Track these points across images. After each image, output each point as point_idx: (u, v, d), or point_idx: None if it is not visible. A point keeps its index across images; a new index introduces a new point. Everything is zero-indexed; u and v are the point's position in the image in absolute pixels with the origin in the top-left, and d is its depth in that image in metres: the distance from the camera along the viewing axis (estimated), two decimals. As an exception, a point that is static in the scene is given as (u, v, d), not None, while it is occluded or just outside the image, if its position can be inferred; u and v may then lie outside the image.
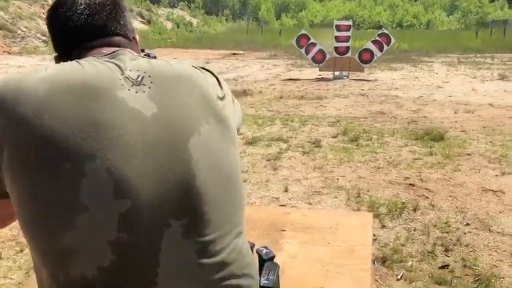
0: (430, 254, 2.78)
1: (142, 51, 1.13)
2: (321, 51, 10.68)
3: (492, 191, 3.75)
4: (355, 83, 10.04)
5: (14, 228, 2.86)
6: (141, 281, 0.78)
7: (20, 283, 2.48)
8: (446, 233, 3.05)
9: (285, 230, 1.92)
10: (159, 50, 17.29)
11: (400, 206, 3.44)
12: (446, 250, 2.82)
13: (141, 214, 0.77)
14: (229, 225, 0.86)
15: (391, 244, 2.90)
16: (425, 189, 3.80)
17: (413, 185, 3.89)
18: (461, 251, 2.82)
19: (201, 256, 0.81)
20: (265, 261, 0.97)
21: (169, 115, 0.83)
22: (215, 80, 0.95)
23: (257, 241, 1.76)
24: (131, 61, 0.88)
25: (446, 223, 3.17)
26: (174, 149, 0.81)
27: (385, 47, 10.51)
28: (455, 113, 6.86)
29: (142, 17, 27.73)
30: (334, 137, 5.48)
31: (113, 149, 0.77)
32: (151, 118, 0.81)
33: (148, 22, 27.52)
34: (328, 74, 10.74)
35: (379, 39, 10.51)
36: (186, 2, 36.39)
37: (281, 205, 3.54)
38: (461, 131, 5.71)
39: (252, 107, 7.35)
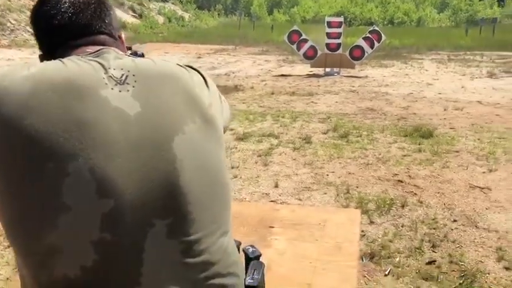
0: (417, 250, 2.81)
1: (130, 49, 1.13)
2: (312, 47, 10.69)
3: (479, 187, 3.80)
4: (346, 79, 10.07)
5: (2, 224, 2.84)
6: (124, 281, 0.78)
7: (7, 279, 2.47)
8: (434, 229, 3.08)
9: (273, 227, 1.93)
10: (151, 44, 17.19)
11: (388, 202, 3.47)
12: (434, 246, 2.85)
13: (124, 214, 0.77)
14: (214, 224, 0.86)
15: (379, 240, 2.93)
16: (414, 185, 3.84)
17: (401, 182, 3.92)
18: (448, 247, 2.86)
19: (186, 256, 0.82)
20: (252, 259, 0.97)
21: (154, 114, 0.83)
22: (201, 78, 0.95)
23: (246, 237, 1.77)
24: (115, 60, 0.87)
25: (433, 219, 3.21)
26: (158, 148, 0.81)
27: (376, 44, 10.54)
28: (445, 110, 6.91)
29: (133, 11, 27.54)
30: (325, 133, 5.50)
31: (96, 149, 0.77)
32: (135, 117, 0.81)
33: (140, 16, 27.33)
34: (320, 71, 10.76)
35: (370, 36, 10.54)
36: (177, -4, 36.17)
37: (271, 201, 3.55)
38: (450, 128, 5.76)
39: (243, 103, 7.35)
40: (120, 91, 0.83)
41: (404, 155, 4.64)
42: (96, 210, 0.76)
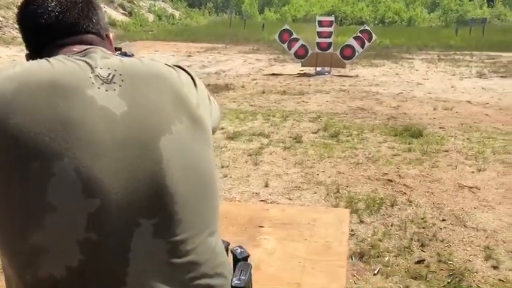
0: (406, 249, 2.82)
1: (120, 49, 1.12)
2: (303, 46, 10.69)
3: (468, 187, 3.83)
4: (337, 78, 10.10)
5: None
6: (110, 281, 0.78)
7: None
8: (423, 228, 3.10)
9: (263, 226, 1.93)
10: (141, 42, 17.11)
11: (378, 201, 3.48)
12: (423, 245, 2.87)
13: (110, 213, 0.77)
14: (201, 224, 0.86)
15: (369, 239, 2.94)
16: (403, 185, 3.86)
17: (391, 181, 3.94)
18: (437, 246, 2.88)
19: (172, 256, 0.81)
20: (239, 260, 0.97)
21: (140, 114, 0.82)
22: (189, 78, 0.94)
23: (235, 237, 1.77)
24: (102, 59, 0.87)
25: (422, 219, 3.23)
26: (145, 148, 0.80)
27: (367, 44, 10.57)
28: (434, 109, 6.95)
29: (123, 8, 27.37)
30: (315, 132, 5.51)
31: (82, 148, 0.76)
32: (121, 116, 0.81)
33: (130, 14, 27.17)
34: (310, 70, 10.77)
35: (360, 35, 10.56)
36: (168, -6, 36.01)
37: (261, 200, 3.55)
38: (440, 128, 5.80)
39: (234, 102, 7.34)
40: (106, 90, 0.82)
41: (394, 155, 4.66)
42: (82, 210, 0.75)
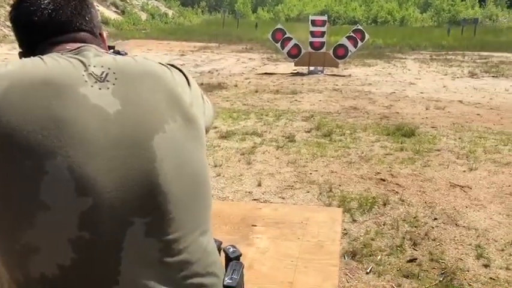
0: (398, 248, 2.84)
1: (113, 48, 1.12)
2: (296, 45, 10.71)
3: (460, 186, 3.85)
4: (330, 78, 10.12)
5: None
6: (103, 280, 0.78)
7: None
8: (415, 227, 3.12)
9: (255, 225, 1.92)
10: (134, 41, 17.04)
11: (370, 200, 3.49)
12: (415, 244, 2.89)
13: (103, 212, 0.76)
14: (194, 223, 0.86)
15: (361, 238, 2.95)
16: (396, 184, 3.88)
17: (384, 180, 3.96)
18: (429, 245, 2.89)
19: (164, 254, 0.81)
20: (232, 259, 0.97)
21: (133, 112, 0.82)
22: (183, 77, 0.94)
23: (228, 236, 1.77)
24: (95, 57, 0.86)
25: (415, 218, 3.24)
26: (138, 147, 0.80)
27: (360, 43, 10.61)
28: (427, 109, 6.99)
29: (116, 7, 27.27)
30: (308, 131, 5.52)
31: (75, 147, 0.76)
32: (114, 115, 0.80)
33: (123, 12, 27.07)
34: (303, 69, 10.79)
35: (353, 35, 10.60)
36: (161, -7, 35.88)
37: (254, 199, 3.55)
38: (432, 127, 5.83)
39: (227, 101, 7.33)
40: (100, 89, 0.82)
41: (387, 154, 4.68)
42: (74, 208, 0.75)
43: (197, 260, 0.85)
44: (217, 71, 10.93)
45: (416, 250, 2.83)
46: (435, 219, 3.24)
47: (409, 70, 11.68)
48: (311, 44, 10.61)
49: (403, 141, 5.12)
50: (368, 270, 2.60)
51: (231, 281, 0.90)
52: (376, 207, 3.41)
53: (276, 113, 6.49)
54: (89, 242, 0.76)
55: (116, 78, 0.84)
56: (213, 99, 6.83)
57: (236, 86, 8.85)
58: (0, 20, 17.19)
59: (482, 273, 2.60)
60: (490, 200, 3.57)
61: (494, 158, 4.59)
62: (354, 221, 3.19)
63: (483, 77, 10.71)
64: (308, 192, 3.70)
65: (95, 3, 1.03)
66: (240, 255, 0.98)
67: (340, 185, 3.83)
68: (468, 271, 2.61)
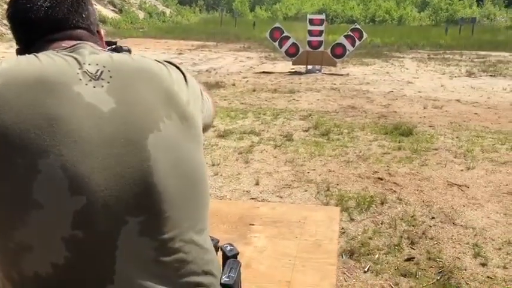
0: (396, 247, 2.84)
1: (115, 43, 1.11)
2: (294, 44, 10.71)
3: (457, 185, 3.86)
4: (328, 77, 10.12)
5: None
6: (97, 279, 0.77)
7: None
8: (413, 226, 3.12)
9: (253, 224, 1.93)
10: (131, 39, 17.03)
11: (368, 199, 3.50)
12: (412, 243, 2.89)
13: (96, 211, 0.76)
14: (190, 222, 0.85)
15: (359, 237, 2.95)
16: (393, 183, 3.88)
17: (381, 179, 3.96)
18: (426, 243, 2.89)
19: (160, 253, 0.81)
20: (229, 258, 0.97)
21: (128, 110, 0.81)
22: (180, 75, 0.94)
23: (226, 235, 1.77)
24: (91, 55, 0.86)
25: (412, 216, 3.25)
26: (132, 146, 0.80)
27: (357, 42, 10.61)
28: (424, 108, 7.00)
29: (114, 5, 27.22)
30: (306, 130, 5.52)
31: (68, 145, 0.76)
32: (108, 113, 0.80)
33: (120, 11, 27.02)
34: (301, 68, 10.79)
35: (351, 34, 10.60)
36: (159, -8, 35.81)
37: (252, 198, 3.55)
38: (429, 126, 5.83)
39: (224, 100, 7.33)
40: (94, 87, 0.81)
41: (385, 153, 4.68)
42: (67, 207, 0.75)
43: (193, 258, 0.85)
44: (215, 69, 10.92)
45: (413, 249, 2.83)
46: (433, 218, 3.25)
47: (407, 69, 11.69)
48: (309, 43, 10.61)
49: (401, 140, 5.12)
50: (366, 269, 2.60)
51: (228, 280, 0.90)
52: (373, 206, 3.41)
53: (274, 112, 6.48)
54: (82, 240, 0.75)
55: (110, 77, 0.83)
56: (210, 98, 6.82)
57: (234, 84, 8.85)
58: (-3, 19, 17.14)
59: (480, 272, 2.60)
60: (488, 199, 3.58)
61: (492, 157, 4.59)
62: (352, 220, 3.19)
63: (481, 76, 10.73)
64: (306, 191, 3.70)
65: (93, 1, 1.02)
66: (238, 253, 0.98)
67: (337, 184, 3.83)
68: (465, 270, 2.61)
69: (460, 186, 3.84)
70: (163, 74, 0.89)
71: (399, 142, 5.04)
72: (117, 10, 26.90)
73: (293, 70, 10.84)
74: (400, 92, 8.35)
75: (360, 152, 4.71)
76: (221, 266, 0.95)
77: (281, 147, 4.83)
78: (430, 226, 3.12)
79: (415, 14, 36.36)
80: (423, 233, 3.01)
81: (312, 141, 5.07)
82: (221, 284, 0.90)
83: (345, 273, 2.55)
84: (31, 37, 0.92)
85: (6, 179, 0.74)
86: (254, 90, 8.24)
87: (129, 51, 1.09)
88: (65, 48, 0.88)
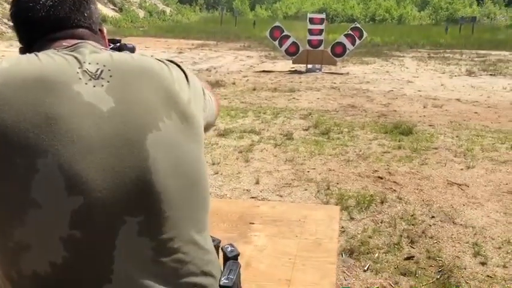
0: (396, 245, 2.84)
1: (119, 41, 1.10)
2: (294, 43, 10.70)
3: (457, 184, 3.86)
4: (328, 76, 10.12)
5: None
6: (95, 278, 0.77)
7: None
8: (412, 225, 3.12)
9: (253, 223, 1.93)
10: (131, 38, 17.01)
11: (368, 198, 3.50)
12: (412, 242, 2.89)
13: (94, 211, 0.76)
14: (189, 222, 0.85)
15: (359, 236, 2.95)
16: (393, 182, 3.88)
17: (381, 178, 3.96)
18: (426, 242, 2.90)
19: (158, 254, 0.81)
20: (229, 259, 0.96)
21: (128, 110, 0.81)
22: (182, 73, 0.93)
23: (226, 234, 1.77)
24: (91, 54, 0.85)
25: (412, 215, 3.25)
26: (131, 145, 0.79)
27: (358, 41, 10.61)
28: (424, 107, 7.00)
29: (114, 4, 27.21)
30: (306, 129, 5.52)
31: (66, 145, 0.75)
32: (108, 113, 0.79)
33: (120, 10, 27.01)
34: (301, 67, 10.79)
35: (351, 33, 10.60)
36: (159, -10, 35.80)
37: (252, 197, 3.55)
38: (429, 125, 5.84)
39: (225, 99, 7.32)
40: (94, 86, 0.81)
41: (384, 152, 4.69)
42: (65, 207, 0.75)
43: (192, 259, 0.85)
44: (215, 68, 10.92)
45: (413, 248, 2.83)
46: (432, 217, 3.25)
47: (407, 68, 11.68)
48: (309, 42, 10.61)
49: (401, 139, 5.12)
50: (365, 268, 2.60)
51: (227, 281, 0.89)
52: (373, 205, 3.41)
53: (274, 111, 6.49)
54: (80, 240, 0.75)
55: (110, 76, 0.83)
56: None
57: (234, 83, 8.85)
58: (-3, 17, 17.13)
59: (479, 271, 2.60)
60: (487, 198, 3.58)
61: (492, 156, 4.60)
62: (352, 218, 3.19)
63: (481, 75, 10.72)
64: (306, 190, 3.70)
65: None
66: (238, 254, 0.97)
67: (337, 183, 3.83)
68: (465, 269, 2.62)
69: (460, 185, 3.84)
70: (164, 73, 0.89)
71: (399, 141, 5.04)
72: (117, 9, 26.89)
73: (293, 69, 10.84)
74: (400, 91, 8.35)
75: (360, 151, 4.72)
76: (222, 267, 0.94)
77: (281, 146, 4.84)
78: (430, 225, 3.13)
79: (415, 13, 36.35)
80: (423, 232, 3.01)
81: (312, 140, 5.07)
82: (220, 285, 0.89)
83: (344, 272, 2.55)
84: (33, 36, 0.91)
85: (5, 178, 0.74)
86: (254, 89, 8.24)
87: (133, 48, 1.08)
88: (66, 47, 0.88)
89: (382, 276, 2.54)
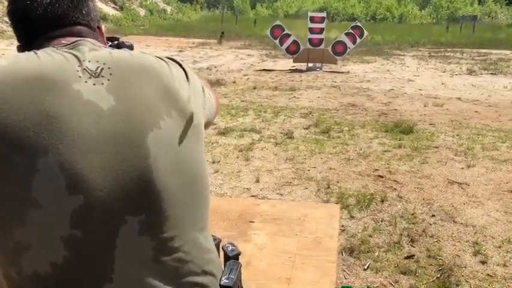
0: (396, 244, 2.84)
1: (117, 39, 1.10)
2: (295, 42, 10.70)
3: (457, 183, 3.86)
4: (328, 74, 10.12)
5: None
6: (95, 278, 0.77)
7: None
8: (413, 224, 3.12)
9: (253, 222, 1.93)
10: (132, 37, 17.00)
11: (368, 197, 3.50)
12: (412, 241, 2.89)
13: (95, 210, 0.75)
14: (190, 221, 0.85)
15: (359, 235, 2.95)
16: (394, 181, 3.88)
17: (382, 177, 3.96)
18: (426, 241, 2.90)
19: (159, 253, 0.80)
20: (230, 258, 0.95)
21: (128, 108, 0.80)
22: (182, 71, 0.92)
23: (226, 232, 1.77)
24: (90, 52, 0.85)
25: (412, 214, 3.25)
26: (132, 144, 0.79)
27: (358, 40, 10.61)
28: (425, 106, 6.99)
29: (115, 3, 27.19)
30: (306, 128, 5.52)
31: (67, 144, 0.75)
32: (108, 111, 0.79)
33: (121, 8, 27.00)
34: (302, 66, 10.78)
35: (352, 31, 10.59)
36: (159, -11, 35.79)
37: (252, 196, 3.55)
38: (430, 124, 5.83)
39: (225, 97, 7.32)
40: (94, 84, 0.80)
41: (385, 151, 4.68)
42: (65, 206, 0.74)
43: (193, 258, 0.84)
44: (215, 67, 10.91)
45: (413, 247, 2.83)
46: (433, 216, 3.25)
47: (407, 67, 11.68)
48: (310, 40, 10.60)
49: (401, 138, 5.12)
50: (366, 267, 2.60)
51: (227, 281, 0.88)
52: (374, 203, 3.41)
53: (275, 110, 6.48)
54: (81, 240, 0.75)
55: (110, 74, 0.82)
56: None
57: (234, 82, 8.84)
58: (-3, 16, 17.13)
59: (480, 269, 2.60)
60: (488, 197, 3.58)
61: (492, 155, 4.59)
62: (352, 217, 3.19)
63: (481, 74, 10.71)
64: (306, 188, 3.70)
65: (93, -2, 1.01)
66: (239, 253, 0.96)
67: (338, 182, 3.83)
68: (465, 268, 2.62)
69: (460, 184, 3.84)
70: (164, 71, 0.88)
71: (399, 140, 5.04)
72: (118, 7, 26.88)
73: (294, 68, 10.83)
74: (400, 90, 8.34)
75: (361, 149, 4.71)
76: (223, 266, 0.94)
77: (281, 144, 4.83)
78: (430, 224, 3.12)
79: (416, 11, 36.32)
80: (423, 231, 3.01)
81: (312, 138, 5.07)
82: (220, 285, 0.89)
83: (344, 271, 2.55)
84: (31, 34, 0.91)
85: (5, 178, 0.73)
86: (255, 88, 8.24)
87: (131, 46, 1.08)
88: (65, 45, 0.87)
89: (382, 275, 2.54)
